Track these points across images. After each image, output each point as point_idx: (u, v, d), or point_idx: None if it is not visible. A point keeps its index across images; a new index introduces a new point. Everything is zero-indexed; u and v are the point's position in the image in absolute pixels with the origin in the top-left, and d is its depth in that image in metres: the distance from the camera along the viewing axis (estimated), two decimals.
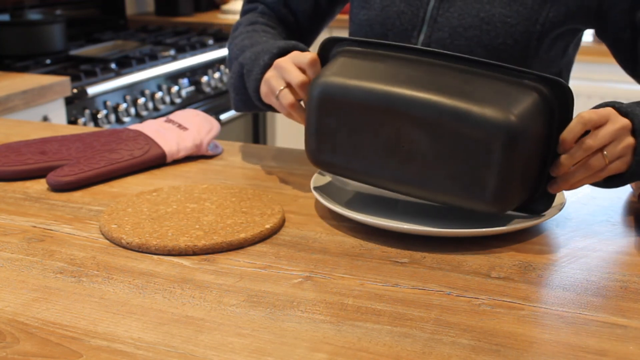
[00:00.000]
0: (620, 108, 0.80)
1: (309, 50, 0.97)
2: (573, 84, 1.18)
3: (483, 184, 0.75)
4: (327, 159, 0.85)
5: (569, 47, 1.06)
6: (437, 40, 1.03)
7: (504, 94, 0.75)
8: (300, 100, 0.91)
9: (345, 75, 0.82)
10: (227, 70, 2.50)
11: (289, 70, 0.90)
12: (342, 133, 0.82)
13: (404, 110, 0.77)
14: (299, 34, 1.20)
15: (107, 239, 0.80)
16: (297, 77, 0.88)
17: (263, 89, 0.95)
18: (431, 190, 0.79)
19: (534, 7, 0.99)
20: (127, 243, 0.78)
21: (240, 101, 1.04)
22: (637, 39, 0.99)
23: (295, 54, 0.92)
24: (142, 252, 0.77)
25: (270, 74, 0.93)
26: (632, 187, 0.93)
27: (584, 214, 0.88)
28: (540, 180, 0.80)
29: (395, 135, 0.78)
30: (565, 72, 1.12)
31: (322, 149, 0.85)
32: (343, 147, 0.83)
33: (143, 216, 0.84)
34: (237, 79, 1.03)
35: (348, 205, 0.86)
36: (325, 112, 0.83)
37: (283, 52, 0.96)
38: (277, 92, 0.91)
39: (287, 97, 0.90)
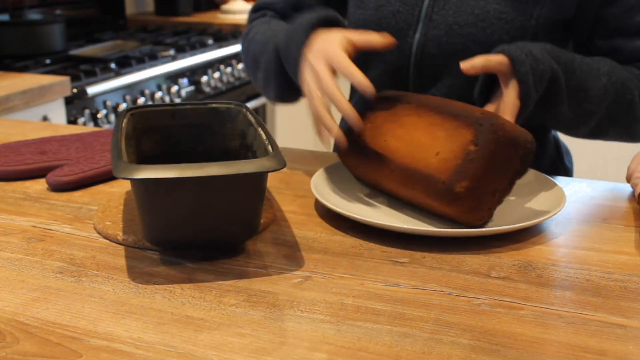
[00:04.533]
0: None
1: (343, 23, 0.95)
2: None
3: None
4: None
5: (567, 44, 1.06)
6: (433, 39, 1.02)
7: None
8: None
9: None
10: (227, 70, 2.50)
11: (322, 78, 0.86)
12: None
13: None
14: None
15: (103, 237, 0.80)
16: (327, 88, 0.85)
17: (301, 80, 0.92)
18: None
19: (529, 1, 0.99)
20: (123, 240, 0.78)
21: (284, 84, 0.99)
22: (593, 36, 1.02)
23: (334, 53, 0.86)
24: (138, 248, 0.77)
25: (305, 71, 0.89)
26: (632, 187, 0.93)
27: (584, 214, 0.88)
28: None
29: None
30: None
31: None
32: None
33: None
34: (275, 63, 0.98)
35: (348, 205, 0.86)
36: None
37: (322, 23, 0.93)
38: (312, 93, 0.88)
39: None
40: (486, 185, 0.78)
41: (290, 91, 1.00)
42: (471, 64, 0.86)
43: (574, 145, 1.31)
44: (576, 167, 1.34)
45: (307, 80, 0.88)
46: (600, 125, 0.99)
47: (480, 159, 0.77)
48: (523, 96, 0.86)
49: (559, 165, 1.18)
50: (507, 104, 0.86)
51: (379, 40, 0.89)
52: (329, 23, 0.95)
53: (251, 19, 1.20)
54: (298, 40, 0.92)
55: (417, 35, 1.03)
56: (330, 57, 0.87)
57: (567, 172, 1.19)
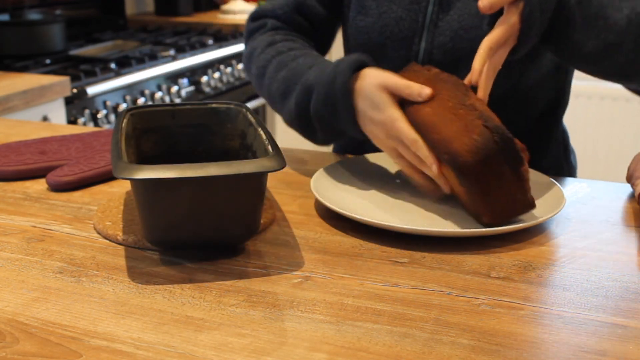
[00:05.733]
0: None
1: (371, 63, 0.92)
2: (574, 83, 1.18)
3: None
4: None
5: None
6: (439, 46, 1.01)
7: None
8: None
9: None
10: (227, 70, 2.49)
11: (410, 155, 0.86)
12: None
13: None
14: (315, 39, 1.14)
15: (103, 237, 0.80)
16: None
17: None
18: None
19: None
20: (123, 240, 0.78)
21: (329, 133, 0.97)
22: None
23: (400, 130, 0.84)
24: (138, 248, 0.77)
25: (387, 151, 0.89)
26: (632, 188, 0.93)
27: (584, 214, 0.88)
28: None
29: None
30: (571, 71, 1.11)
31: None
32: None
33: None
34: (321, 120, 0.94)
35: (348, 205, 0.86)
36: None
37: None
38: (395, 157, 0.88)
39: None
40: (504, 202, 0.79)
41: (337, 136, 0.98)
42: (489, 4, 0.83)
43: (575, 146, 1.30)
44: (577, 167, 1.34)
45: (397, 160, 0.89)
46: (631, 61, 0.92)
47: (473, 195, 0.79)
48: (526, 15, 0.83)
49: (564, 163, 1.17)
50: (503, 25, 0.84)
51: (417, 95, 0.85)
52: (364, 65, 0.91)
53: (251, 30, 1.14)
54: (342, 98, 0.90)
55: (423, 43, 1.02)
56: (399, 135, 0.85)
57: (571, 170, 1.19)
